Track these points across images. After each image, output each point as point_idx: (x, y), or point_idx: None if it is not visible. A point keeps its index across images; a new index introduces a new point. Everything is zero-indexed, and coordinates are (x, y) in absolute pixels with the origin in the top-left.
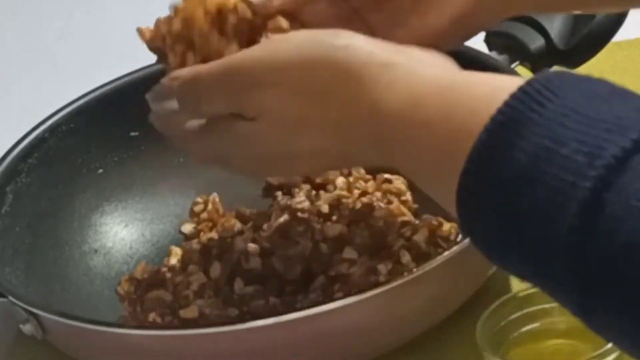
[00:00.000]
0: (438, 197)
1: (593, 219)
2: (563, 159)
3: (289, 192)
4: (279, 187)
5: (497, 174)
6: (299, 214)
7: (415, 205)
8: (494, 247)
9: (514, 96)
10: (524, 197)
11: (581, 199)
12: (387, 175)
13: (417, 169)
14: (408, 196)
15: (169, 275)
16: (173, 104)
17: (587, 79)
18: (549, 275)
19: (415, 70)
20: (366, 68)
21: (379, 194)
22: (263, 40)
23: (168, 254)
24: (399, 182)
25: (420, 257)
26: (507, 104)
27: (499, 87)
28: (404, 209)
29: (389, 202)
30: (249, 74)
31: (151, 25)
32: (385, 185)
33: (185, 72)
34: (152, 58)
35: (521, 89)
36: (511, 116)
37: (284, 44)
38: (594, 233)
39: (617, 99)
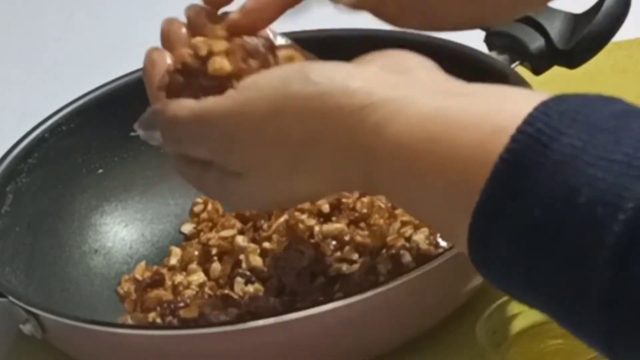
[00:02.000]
0: (446, 240)
1: (623, 280)
2: (582, 209)
3: None
4: None
5: (510, 227)
6: (297, 215)
7: None
8: (518, 294)
9: (514, 139)
10: (543, 252)
11: (607, 259)
12: None
13: (421, 216)
14: None
15: (169, 275)
16: (159, 136)
17: (585, 104)
18: (575, 324)
19: (398, 111)
20: (346, 115)
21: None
22: (230, 91)
23: (168, 254)
24: None
25: (420, 257)
26: (508, 148)
27: (498, 126)
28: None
29: (394, 208)
30: (222, 129)
31: (151, 26)
32: None
33: (167, 110)
34: None
35: (521, 131)
36: (515, 163)
37: (253, 96)
38: (625, 293)
39: (620, 127)
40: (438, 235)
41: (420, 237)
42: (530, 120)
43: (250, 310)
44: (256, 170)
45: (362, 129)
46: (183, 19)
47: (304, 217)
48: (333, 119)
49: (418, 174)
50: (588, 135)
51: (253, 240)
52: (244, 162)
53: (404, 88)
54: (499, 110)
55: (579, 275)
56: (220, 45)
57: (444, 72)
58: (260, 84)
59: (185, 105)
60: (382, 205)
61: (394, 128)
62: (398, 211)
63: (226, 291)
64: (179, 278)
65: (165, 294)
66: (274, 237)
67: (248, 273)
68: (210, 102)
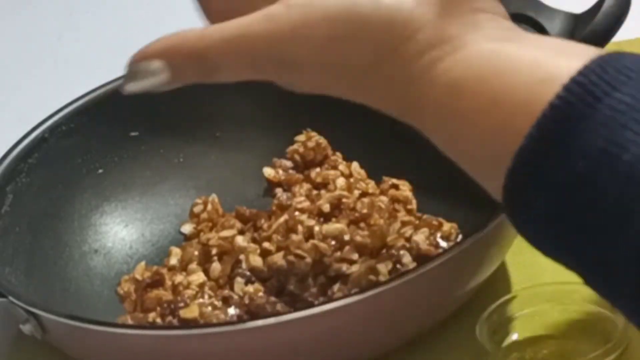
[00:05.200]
0: (479, 181)
1: None
2: (625, 166)
3: (289, 189)
4: (279, 184)
5: (551, 177)
6: (297, 215)
7: (419, 214)
8: (548, 249)
9: (566, 88)
10: (581, 205)
11: None
12: (394, 180)
13: (458, 156)
14: (414, 204)
15: (169, 275)
16: (159, 79)
17: None
18: (606, 286)
19: (453, 50)
20: (408, 49)
21: (385, 199)
22: (277, 8)
23: (168, 254)
24: (405, 189)
25: (420, 257)
26: (559, 96)
27: (550, 75)
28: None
29: (395, 210)
30: (276, 52)
31: (151, 26)
32: (392, 192)
33: (186, 41)
34: None
35: (574, 80)
36: (564, 111)
37: (316, 16)
38: None
39: None
40: (439, 235)
41: (420, 237)
42: (585, 71)
43: (250, 310)
44: (308, 87)
45: (417, 64)
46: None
47: (304, 217)
48: (395, 50)
49: (462, 112)
50: None
51: (253, 240)
52: (297, 82)
53: (465, 30)
54: (554, 59)
55: (615, 235)
56: None
57: (506, 15)
58: (321, 4)
59: (214, 31)
60: (382, 206)
61: (444, 65)
62: (399, 213)
63: (226, 291)
64: (179, 278)
65: (165, 294)
66: (274, 237)
67: (248, 273)
68: (255, 22)
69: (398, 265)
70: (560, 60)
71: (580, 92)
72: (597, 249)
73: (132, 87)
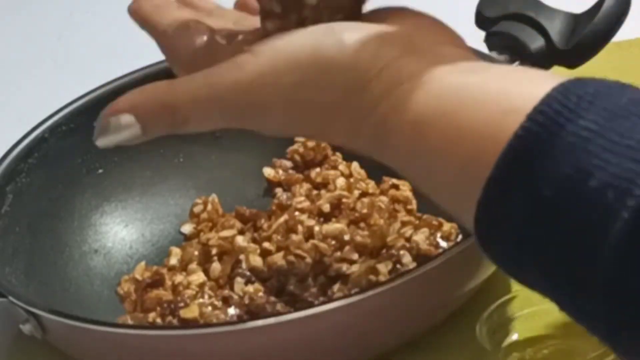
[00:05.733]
0: (454, 216)
1: (627, 268)
2: (592, 192)
3: (289, 189)
4: (279, 184)
5: (519, 206)
6: (297, 215)
7: (419, 214)
8: (522, 277)
9: (530, 118)
10: (550, 234)
11: (614, 245)
12: (394, 180)
13: (427, 189)
14: (414, 204)
15: (169, 275)
16: (130, 133)
17: (603, 89)
18: (577, 310)
19: (418, 87)
20: (373, 87)
21: (385, 199)
22: (246, 57)
23: (168, 254)
24: (405, 189)
25: (420, 257)
26: (523, 127)
27: (514, 105)
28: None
29: (395, 210)
30: (248, 98)
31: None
32: (392, 192)
33: (155, 95)
34: (152, 58)
35: (537, 110)
36: (529, 141)
37: (283, 64)
38: (628, 282)
39: (637, 114)
40: (439, 235)
41: (420, 237)
42: (548, 100)
43: (250, 310)
44: (278, 132)
45: (384, 102)
46: None
47: (304, 217)
48: (362, 90)
49: (430, 147)
50: (604, 120)
51: (253, 240)
52: (266, 127)
53: (428, 65)
54: (517, 89)
55: (584, 260)
56: None
57: (469, 49)
58: (287, 50)
59: (182, 83)
60: (382, 206)
61: (411, 102)
62: (399, 213)
63: (226, 291)
64: (179, 278)
65: (165, 294)
66: (274, 237)
67: (248, 273)
68: (223, 71)
69: (398, 265)
70: (524, 90)
71: (544, 121)
72: (567, 275)
73: (104, 142)
